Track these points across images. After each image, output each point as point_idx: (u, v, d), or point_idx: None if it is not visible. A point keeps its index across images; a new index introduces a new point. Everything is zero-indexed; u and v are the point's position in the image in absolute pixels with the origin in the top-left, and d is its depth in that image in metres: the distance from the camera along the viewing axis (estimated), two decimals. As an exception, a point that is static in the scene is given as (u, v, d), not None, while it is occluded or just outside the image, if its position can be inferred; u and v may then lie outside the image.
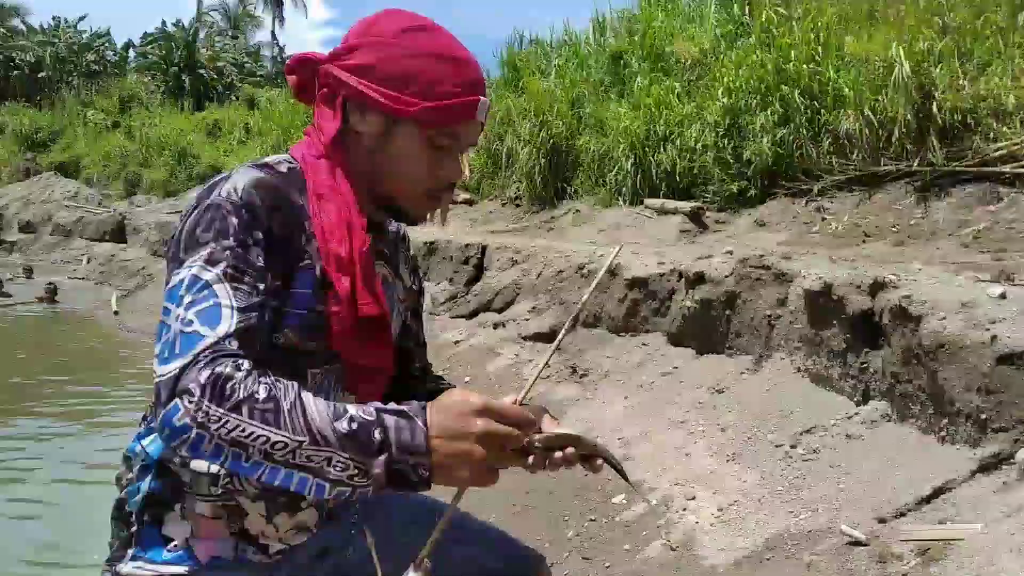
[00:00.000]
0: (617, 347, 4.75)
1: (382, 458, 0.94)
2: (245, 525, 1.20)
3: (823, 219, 5.86)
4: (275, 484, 0.96)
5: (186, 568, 1.17)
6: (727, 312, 4.01)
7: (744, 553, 2.59)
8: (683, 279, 4.40)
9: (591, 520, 3.26)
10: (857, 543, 2.35)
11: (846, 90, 6.21)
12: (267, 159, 1.20)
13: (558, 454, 1.09)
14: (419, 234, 8.79)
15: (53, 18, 41.03)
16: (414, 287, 1.42)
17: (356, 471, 0.95)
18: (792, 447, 3.04)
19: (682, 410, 3.74)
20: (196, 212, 1.09)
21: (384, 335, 1.20)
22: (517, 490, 3.76)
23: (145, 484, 1.18)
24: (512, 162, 9.71)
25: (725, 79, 7.32)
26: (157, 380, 0.98)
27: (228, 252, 1.05)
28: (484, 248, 6.98)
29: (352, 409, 0.97)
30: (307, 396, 0.97)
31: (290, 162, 1.20)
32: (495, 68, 11.83)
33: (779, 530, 2.61)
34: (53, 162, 26.04)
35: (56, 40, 37.72)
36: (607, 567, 2.91)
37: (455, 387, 1.39)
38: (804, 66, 6.59)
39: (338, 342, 1.15)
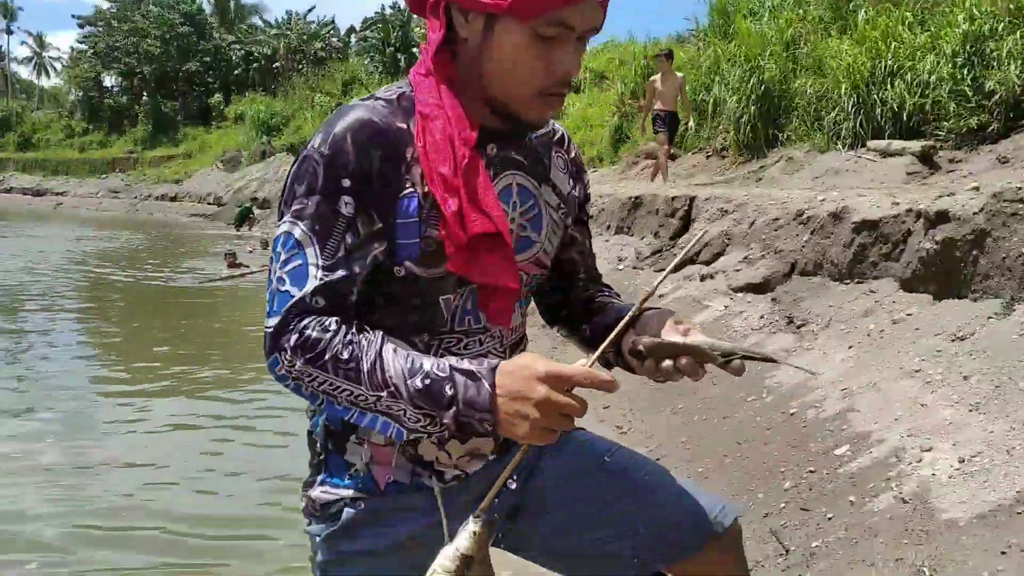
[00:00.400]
0: (840, 295, 4.41)
1: (451, 411, 1.02)
2: (419, 452, 1.21)
3: (1083, 151, 5.10)
4: (363, 424, 1.06)
5: (367, 491, 1.20)
6: (973, 252, 3.58)
7: (989, 507, 2.30)
8: (921, 219, 3.98)
9: (810, 471, 3.05)
10: None
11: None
12: (380, 90, 1.16)
13: (668, 362, 1.09)
14: (623, 189, 8.68)
15: (286, 12, 44.79)
16: (574, 193, 1.32)
17: (428, 420, 1.03)
18: (1052, 395, 2.66)
19: (917, 359, 3.39)
20: (295, 163, 1.10)
21: (504, 251, 1.13)
22: (728, 440, 3.61)
23: (323, 416, 1.22)
24: (719, 112, 9.32)
25: (966, 3, 6.55)
26: (264, 331, 1.08)
27: (315, 206, 1.07)
28: (692, 200, 6.74)
29: (428, 365, 1.03)
30: (387, 353, 1.04)
31: (403, 87, 1.16)
32: (703, 16, 11.38)
33: (1035, 483, 2.30)
34: (285, 144, 28.54)
35: (288, 32, 41.05)
36: (829, 518, 2.70)
37: (621, 305, 1.32)
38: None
39: (454, 263, 1.10)
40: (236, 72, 42.94)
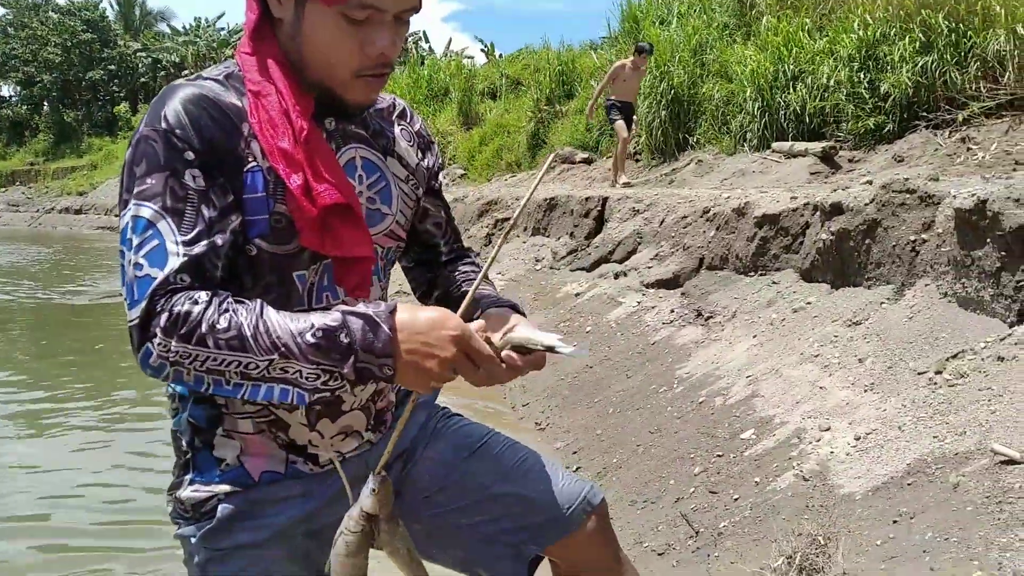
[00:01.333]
0: (744, 287, 4.55)
1: (350, 360, 0.98)
2: (290, 436, 1.18)
3: (968, 149, 5.40)
4: (259, 399, 1.00)
5: (241, 485, 1.16)
6: (866, 242, 3.75)
7: (883, 480, 2.41)
8: (818, 212, 4.15)
9: (718, 456, 3.13)
10: (1011, 461, 2.13)
11: (996, 7, 5.67)
12: (206, 71, 1.13)
13: (514, 357, 1.09)
14: (538, 192, 8.75)
15: (195, 19, 43.60)
16: (423, 164, 1.31)
17: (328, 375, 0.98)
18: (937, 372, 2.80)
19: (816, 344, 3.53)
20: (130, 147, 1.05)
21: (356, 222, 1.11)
22: (641, 431, 3.68)
23: (186, 412, 1.18)
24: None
25: (860, 10, 6.86)
26: (128, 325, 0.99)
27: (162, 184, 1.01)
28: (605, 200, 6.86)
29: (317, 318, 0.98)
30: (270, 314, 0.99)
31: (230, 67, 1.13)
32: (615, 23, 11.61)
33: (922, 455, 2.41)
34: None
35: (197, 40, 40.00)
36: (735, 499, 2.78)
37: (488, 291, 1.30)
38: (948, -15, 6.09)
39: (306, 238, 1.07)
40: (143, 80, 41.60)
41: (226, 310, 0.98)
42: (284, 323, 0.99)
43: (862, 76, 6.65)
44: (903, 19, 6.57)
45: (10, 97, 45.15)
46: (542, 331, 1.10)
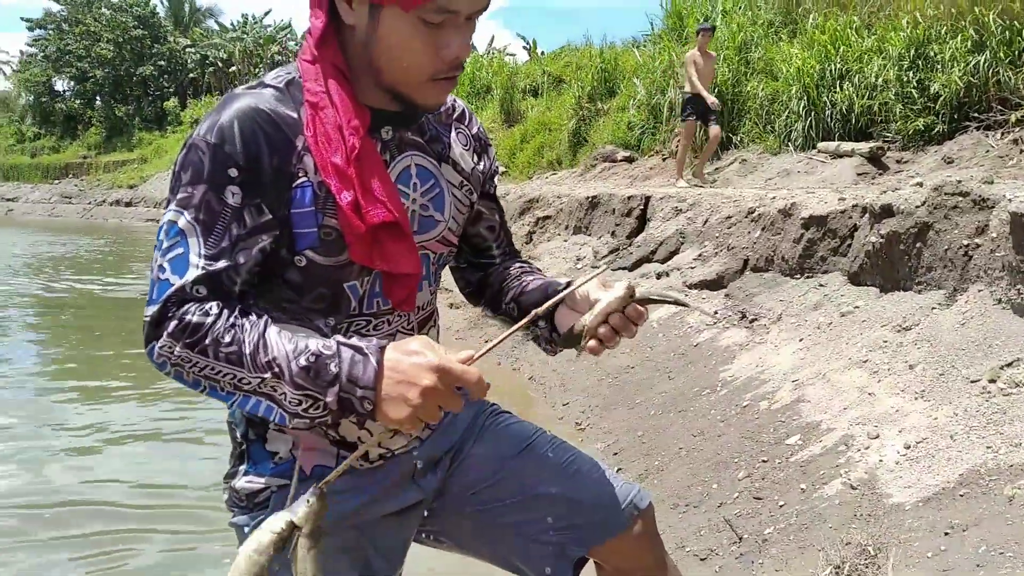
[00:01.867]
0: (790, 290, 4.49)
1: (335, 388, 1.00)
2: (340, 433, 1.20)
3: (1022, 151, 5.26)
4: (247, 410, 1.05)
5: (292, 478, 1.18)
6: (917, 245, 3.67)
7: (934, 490, 2.36)
8: (867, 213, 4.07)
9: (763, 461, 3.10)
10: (1072, 476, 2.08)
11: (1055, 3, 5.52)
12: (267, 75, 1.14)
13: (603, 329, 1.15)
14: (580, 190, 8.73)
15: (242, 16, 44.22)
16: (478, 168, 1.31)
17: (310, 402, 1.01)
18: (991, 381, 2.73)
19: (864, 349, 3.47)
20: (182, 151, 1.07)
21: (404, 238, 1.12)
22: (683, 434, 3.65)
23: None
24: (674, 115, 9.42)
25: (910, 7, 6.72)
26: (143, 319, 1.05)
27: (200, 196, 1.05)
28: (647, 199, 6.81)
29: (314, 344, 1.02)
30: (272, 335, 1.02)
31: (292, 73, 1.13)
32: (659, 21, 11.53)
33: (974, 465, 2.36)
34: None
35: (244, 36, 40.58)
36: (780, 506, 2.75)
37: (543, 281, 1.32)
38: (1004, -18, 5.93)
39: (356, 252, 1.10)
40: (192, 76, 42.36)
41: (232, 326, 1.02)
42: (282, 344, 1.02)
43: (911, 75, 6.52)
44: (954, 17, 6.43)
45: (64, 92, 46.26)
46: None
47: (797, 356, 3.78)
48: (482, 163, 1.32)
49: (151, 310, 1.04)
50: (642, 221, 6.80)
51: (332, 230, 1.09)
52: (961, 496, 2.29)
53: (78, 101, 44.55)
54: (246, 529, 1.20)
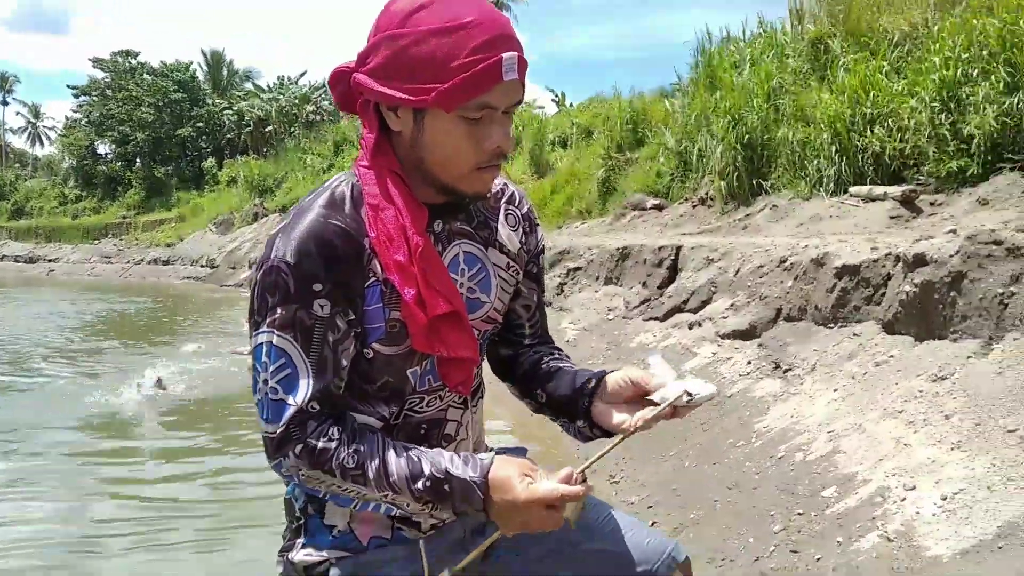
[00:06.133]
0: (824, 339, 4.46)
1: (450, 505, 1.17)
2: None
3: (1060, 192, 5.21)
4: (369, 511, 1.20)
5: (351, 550, 1.25)
6: (951, 294, 3.64)
7: (972, 542, 2.32)
8: (900, 263, 4.06)
9: (799, 514, 3.06)
10: (1115, 529, 2.03)
11: (1087, 45, 5.50)
12: (330, 183, 1.22)
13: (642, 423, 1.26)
14: (611, 240, 8.78)
15: (278, 77, 45.47)
16: (525, 247, 1.37)
17: (430, 508, 1.17)
18: (1030, 431, 2.70)
19: (900, 399, 3.43)
20: (261, 273, 1.15)
21: (462, 327, 1.22)
22: (718, 486, 3.62)
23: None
24: (705, 162, 9.48)
25: (941, 49, 6.74)
26: (263, 435, 1.16)
27: (292, 314, 1.13)
28: (678, 249, 6.84)
29: (427, 468, 1.15)
30: (391, 458, 1.15)
31: (351, 176, 1.22)
32: (687, 70, 11.66)
33: (1014, 517, 2.32)
34: (277, 205, 28.79)
35: (280, 96, 41.70)
36: (817, 559, 2.71)
37: (575, 370, 1.40)
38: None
39: (417, 341, 1.19)
40: (229, 136, 43.52)
41: (356, 451, 1.15)
42: (401, 468, 1.15)
43: (943, 118, 6.50)
44: (986, 60, 6.42)
45: (106, 155, 47.74)
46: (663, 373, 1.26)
47: (832, 406, 3.75)
48: (529, 242, 1.39)
49: (273, 429, 1.14)
50: (673, 271, 6.82)
51: (397, 322, 1.18)
52: (1000, 548, 2.24)
53: (119, 163, 45.93)
54: None
